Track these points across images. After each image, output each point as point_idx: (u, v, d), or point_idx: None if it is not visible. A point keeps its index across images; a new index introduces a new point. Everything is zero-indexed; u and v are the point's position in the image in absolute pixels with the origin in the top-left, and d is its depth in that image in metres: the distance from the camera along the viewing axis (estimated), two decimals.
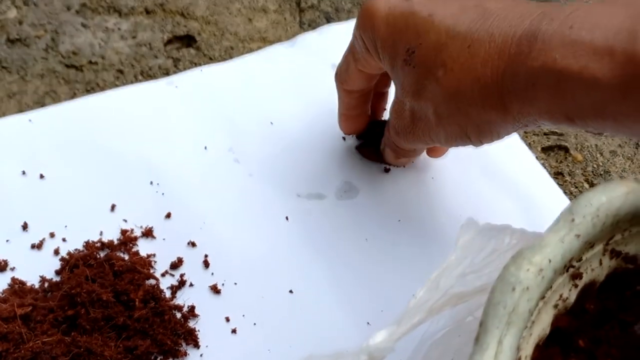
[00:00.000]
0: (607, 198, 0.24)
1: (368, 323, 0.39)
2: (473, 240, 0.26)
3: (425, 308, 0.25)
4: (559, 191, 0.45)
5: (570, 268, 0.24)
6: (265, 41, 0.55)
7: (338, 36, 0.54)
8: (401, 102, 0.38)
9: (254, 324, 0.39)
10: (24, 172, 0.45)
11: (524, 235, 0.26)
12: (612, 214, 0.24)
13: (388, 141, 0.43)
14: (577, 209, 0.23)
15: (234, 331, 0.39)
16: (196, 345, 0.38)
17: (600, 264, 0.26)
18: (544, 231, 0.25)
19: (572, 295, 0.25)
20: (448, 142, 0.36)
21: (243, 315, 0.40)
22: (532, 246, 0.22)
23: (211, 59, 0.54)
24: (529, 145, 0.48)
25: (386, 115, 0.48)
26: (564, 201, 0.45)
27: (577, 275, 0.25)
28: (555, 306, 0.25)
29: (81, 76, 0.52)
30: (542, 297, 0.23)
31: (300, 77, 0.52)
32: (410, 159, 0.46)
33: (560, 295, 0.25)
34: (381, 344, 0.24)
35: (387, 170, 0.47)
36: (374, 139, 0.46)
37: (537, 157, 0.47)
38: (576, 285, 0.25)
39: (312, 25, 0.56)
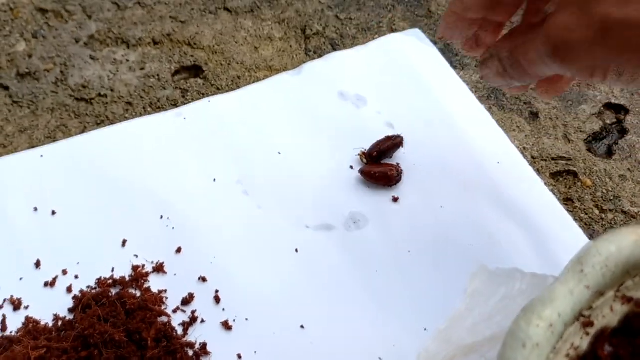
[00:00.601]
0: (617, 247, 0.24)
1: (380, 358, 0.39)
2: (483, 287, 0.26)
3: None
4: (569, 218, 0.45)
5: (581, 317, 0.24)
6: (271, 69, 0.56)
7: (344, 63, 0.55)
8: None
9: None
10: (35, 209, 0.46)
11: (534, 280, 0.26)
12: (622, 263, 0.24)
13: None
14: (586, 259, 0.23)
15: None
16: None
17: (612, 310, 0.26)
18: (554, 275, 0.25)
19: (583, 343, 0.25)
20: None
21: (255, 352, 0.40)
22: (541, 299, 0.22)
23: (218, 89, 0.54)
24: (538, 172, 0.47)
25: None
26: (574, 228, 0.45)
27: (588, 324, 0.25)
28: (567, 355, 0.25)
29: (91, 109, 0.53)
30: (553, 349, 0.23)
31: (307, 106, 0.52)
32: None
33: (572, 344, 0.25)
34: None
35: (395, 200, 0.47)
36: None
37: (546, 183, 0.47)
38: (588, 333, 0.25)
39: (318, 53, 0.56)
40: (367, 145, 0.49)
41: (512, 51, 0.34)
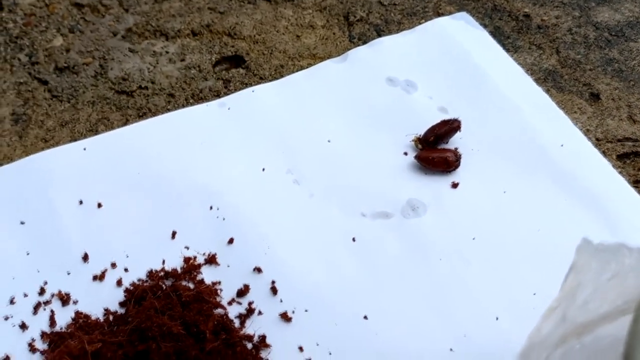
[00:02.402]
0: None
1: (451, 349, 0.37)
2: (590, 263, 0.23)
3: (551, 342, 0.23)
4: None
5: None
6: (315, 58, 0.54)
7: (391, 48, 0.53)
8: None
9: (329, 353, 0.37)
10: (81, 202, 0.44)
11: None
12: None
13: None
14: None
15: None
16: None
17: None
18: None
19: None
20: None
21: (317, 344, 0.38)
22: None
23: (261, 79, 0.53)
24: (604, 154, 0.45)
25: None
26: None
27: None
28: None
29: (132, 102, 0.51)
30: None
31: (354, 93, 0.50)
32: None
33: None
34: None
35: (454, 186, 0.44)
36: None
37: (613, 166, 0.44)
38: None
39: (363, 39, 0.55)
40: (419, 131, 0.47)
41: None
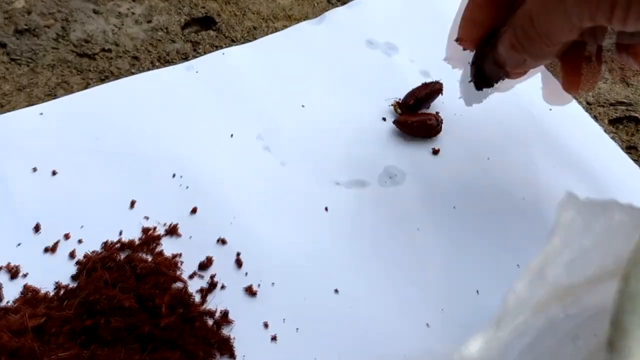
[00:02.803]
0: None
1: (427, 324, 0.34)
2: (575, 219, 0.21)
3: (529, 305, 0.20)
4: (634, 167, 0.40)
5: None
6: (290, 19, 0.51)
7: (371, 10, 0.50)
8: None
9: (297, 329, 0.35)
10: (35, 169, 0.41)
11: (634, 212, 0.21)
12: None
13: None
14: None
15: (274, 338, 0.34)
16: (232, 355, 0.34)
17: None
18: None
19: None
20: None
21: (283, 320, 0.35)
22: None
23: (233, 41, 0.49)
24: (595, 119, 0.42)
25: None
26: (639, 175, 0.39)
27: None
28: None
29: (94, 65, 0.48)
30: None
31: (331, 56, 0.47)
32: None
33: None
34: (478, 353, 0.19)
35: (435, 152, 0.41)
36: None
37: (605, 131, 0.41)
38: None
39: (341, 0, 0.51)
40: (400, 96, 0.44)
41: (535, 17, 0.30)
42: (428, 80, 0.45)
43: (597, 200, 0.21)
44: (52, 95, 0.46)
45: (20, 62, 0.48)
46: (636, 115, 0.43)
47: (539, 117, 0.42)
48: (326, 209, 0.39)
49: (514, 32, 0.32)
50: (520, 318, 0.20)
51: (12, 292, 0.36)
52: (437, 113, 0.42)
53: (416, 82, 0.45)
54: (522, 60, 0.32)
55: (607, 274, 0.20)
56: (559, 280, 0.20)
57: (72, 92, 0.46)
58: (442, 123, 0.42)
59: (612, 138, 0.41)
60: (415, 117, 0.42)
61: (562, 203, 0.21)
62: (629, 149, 0.41)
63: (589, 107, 0.43)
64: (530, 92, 0.44)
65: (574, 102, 0.43)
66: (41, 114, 0.44)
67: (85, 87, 0.47)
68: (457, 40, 0.36)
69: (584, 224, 0.20)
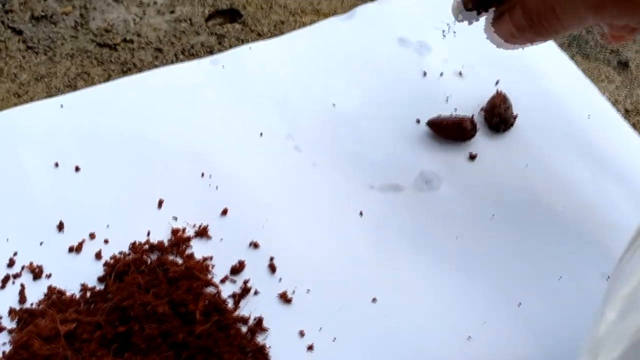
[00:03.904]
0: None
1: (469, 337, 0.33)
2: None
3: (626, 334, 0.19)
4: None
5: None
6: (319, 14, 0.49)
7: (404, 6, 0.48)
8: None
9: (334, 339, 0.33)
10: (57, 164, 0.40)
11: None
12: None
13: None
14: None
15: (310, 348, 0.33)
16: None
17: None
18: None
19: None
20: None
21: (320, 329, 0.34)
22: None
23: (259, 35, 0.48)
24: (633, 126, 0.41)
25: None
26: None
27: None
28: None
29: (116, 56, 0.46)
30: None
31: (362, 54, 0.46)
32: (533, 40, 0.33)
33: None
34: None
35: (472, 158, 0.40)
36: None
37: None
38: None
39: None
40: (434, 99, 0.43)
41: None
42: (461, 81, 0.44)
43: None
44: (72, 86, 0.45)
45: (38, 51, 0.47)
46: None
47: (577, 124, 0.41)
48: (361, 213, 0.38)
49: (523, 13, 0.30)
50: (618, 349, 0.19)
51: (36, 293, 0.35)
52: (472, 116, 0.41)
53: (451, 83, 0.44)
54: (526, 40, 0.32)
55: None
56: None
57: (93, 83, 0.45)
58: (476, 127, 0.41)
59: None
60: (450, 120, 0.41)
61: None
62: None
63: (627, 114, 0.42)
64: (569, 98, 0.43)
65: (613, 110, 0.42)
66: (62, 106, 0.42)
67: (107, 79, 0.45)
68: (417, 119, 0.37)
69: None
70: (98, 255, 0.36)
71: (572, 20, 0.29)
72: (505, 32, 0.32)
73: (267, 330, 0.34)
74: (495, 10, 0.33)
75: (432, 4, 0.48)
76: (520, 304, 0.34)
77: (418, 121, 0.42)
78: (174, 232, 0.37)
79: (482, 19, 0.34)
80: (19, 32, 0.47)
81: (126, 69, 0.46)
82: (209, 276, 0.35)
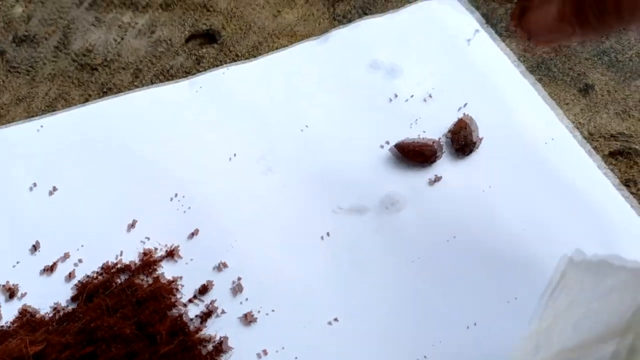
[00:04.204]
0: None
1: (425, 357, 0.35)
2: (581, 278, 0.21)
3: None
4: (625, 203, 0.40)
5: None
6: (295, 36, 0.50)
7: (376, 30, 0.49)
8: None
9: (295, 358, 0.35)
10: (34, 185, 0.41)
11: (637, 275, 0.21)
12: None
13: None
14: None
15: None
16: None
17: None
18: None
19: None
20: None
21: (282, 348, 0.35)
22: None
23: (237, 57, 0.49)
24: (595, 149, 0.42)
25: None
26: (631, 213, 0.40)
27: None
28: None
29: (95, 77, 0.48)
30: None
31: (335, 77, 0.47)
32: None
33: None
34: None
35: (436, 180, 0.42)
36: None
37: (604, 162, 0.42)
38: None
39: (347, 18, 0.51)
40: (402, 122, 0.44)
41: None
42: (429, 104, 0.45)
43: (601, 257, 0.22)
44: (51, 107, 0.46)
45: (20, 72, 0.48)
46: (636, 147, 0.43)
47: (538, 148, 0.42)
48: (327, 234, 0.39)
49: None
50: None
51: (10, 312, 0.36)
52: (438, 139, 0.43)
53: (419, 106, 0.45)
54: (567, 34, 0.26)
55: (612, 333, 0.20)
56: (564, 342, 0.20)
57: (72, 105, 0.46)
58: (441, 150, 0.42)
59: (611, 170, 0.42)
60: (414, 144, 0.42)
61: (569, 259, 0.21)
62: (627, 182, 0.41)
63: (589, 137, 0.43)
64: (531, 122, 0.44)
65: (569, 135, 0.43)
66: (41, 127, 0.44)
67: (86, 101, 0.46)
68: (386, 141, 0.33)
69: (588, 284, 0.21)
70: (71, 276, 0.37)
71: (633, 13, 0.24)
72: (541, 23, 0.26)
73: (231, 350, 0.35)
74: None
75: (403, 28, 0.49)
76: (475, 323, 0.36)
77: (387, 143, 0.43)
78: (145, 253, 0.38)
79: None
80: (2, 53, 0.49)
81: (105, 90, 0.47)
82: (177, 296, 0.36)
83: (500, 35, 0.48)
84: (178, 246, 0.38)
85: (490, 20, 0.50)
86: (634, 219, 0.40)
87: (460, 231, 0.39)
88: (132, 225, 0.39)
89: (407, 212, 0.40)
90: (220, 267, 0.38)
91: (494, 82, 0.46)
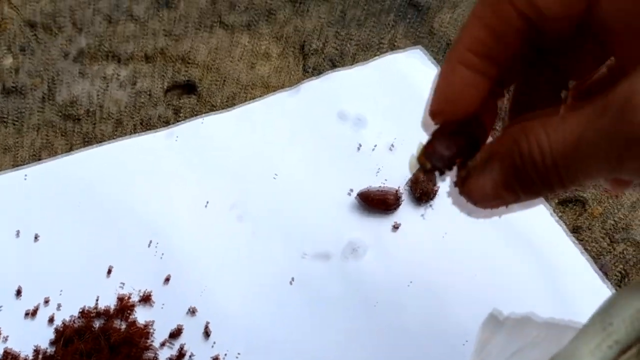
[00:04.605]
0: None
1: None
2: (495, 337, 0.23)
3: None
4: (576, 250, 0.43)
5: None
6: (268, 87, 0.54)
7: (344, 82, 0.53)
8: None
9: None
10: (18, 233, 0.43)
11: (550, 330, 0.24)
12: None
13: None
14: (614, 312, 0.21)
15: None
16: None
17: None
18: (572, 320, 0.22)
19: None
20: None
21: None
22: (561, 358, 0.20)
23: (213, 107, 0.52)
24: (545, 199, 0.45)
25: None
26: (582, 260, 0.43)
27: None
28: None
29: (78, 127, 0.51)
30: None
31: (305, 127, 0.50)
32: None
33: None
34: None
35: (396, 227, 0.44)
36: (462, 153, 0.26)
37: (554, 211, 0.45)
38: None
39: (317, 70, 0.54)
40: (367, 171, 0.47)
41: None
42: (393, 154, 0.48)
43: (516, 317, 0.24)
44: (36, 157, 0.49)
45: (7, 122, 0.51)
46: (584, 196, 0.46)
47: None
48: (292, 280, 0.42)
49: (511, 167, 0.23)
50: None
51: None
52: (398, 188, 0.46)
53: (382, 155, 0.48)
54: (511, 199, 0.24)
55: None
56: None
57: (56, 154, 0.49)
58: (401, 199, 0.45)
59: (560, 218, 0.44)
60: (376, 192, 0.45)
61: (484, 322, 0.24)
62: (575, 230, 0.44)
63: None
64: None
65: None
66: (25, 176, 0.46)
67: (69, 150, 0.49)
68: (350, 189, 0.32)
69: (501, 343, 0.23)
70: (51, 320, 0.40)
71: (585, 176, 0.21)
72: (482, 191, 0.24)
73: None
74: (464, 168, 0.26)
75: (369, 80, 0.53)
76: None
77: (351, 191, 0.46)
78: (120, 298, 0.41)
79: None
80: None
81: (87, 140, 0.50)
82: (150, 341, 0.39)
83: None
84: (151, 292, 0.41)
85: None
86: (583, 264, 0.43)
87: (419, 276, 0.42)
88: (109, 272, 0.42)
89: (370, 257, 0.43)
90: (191, 311, 0.40)
91: None
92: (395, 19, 0.58)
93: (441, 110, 0.26)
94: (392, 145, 0.49)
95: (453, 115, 0.25)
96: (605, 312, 0.21)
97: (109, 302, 0.41)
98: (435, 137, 0.26)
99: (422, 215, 0.45)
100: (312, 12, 0.58)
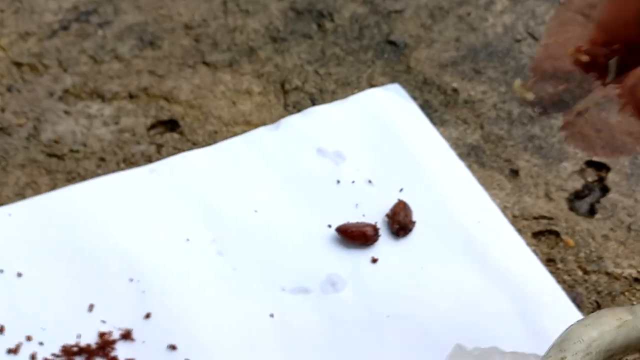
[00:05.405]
0: (599, 333, 0.23)
1: None
2: None
3: None
4: (551, 280, 0.44)
5: None
6: (249, 124, 0.55)
7: (323, 118, 0.54)
8: None
9: None
10: (1, 270, 0.44)
11: (518, 356, 0.25)
12: (605, 349, 0.23)
13: None
14: (567, 346, 0.22)
15: None
16: None
17: None
18: (535, 353, 0.23)
19: None
20: None
21: None
22: None
23: (195, 144, 0.53)
24: (519, 231, 0.47)
25: None
26: (556, 291, 0.44)
27: None
28: None
29: (62, 165, 0.52)
30: None
31: (285, 162, 0.51)
32: None
33: None
34: None
35: (374, 261, 0.45)
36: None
37: (527, 243, 0.46)
38: None
39: (297, 107, 0.56)
40: (345, 206, 0.48)
41: None
42: (371, 188, 0.49)
43: (481, 349, 0.25)
44: (21, 195, 0.50)
45: None
46: (557, 229, 0.47)
47: (468, 229, 0.47)
48: (271, 315, 0.43)
49: None
50: None
51: None
52: (375, 223, 0.47)
53: (361, 190, 0.49)
54: None
55: None
56: None
57: (40, 192, 0.50)
58: (378, 233, 0.46)
59: (533, 250, 0.46)
60: (355, 226, 0.46)
61: (450, 355, 0.25)
62: (549, 262, 0.45)
63: (514, 220, 0.47)
64: (463, 204, 0.48)
65: (501, 215, 0.47)
66: (10, 214, 0.47)
67: (53, 188, 0.50)
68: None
69: None
70: (33, 357, 0.40)
71: None
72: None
73: None
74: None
75: (348, 116, 0.54)
76: None
77: (329, 226, 0.47)
78: (101, 335, 0.41)
79: None
80: None
81: (71, 178, 0.51)
82: None
83: (435, 124, 0.53)
84: (132, 329, 0.41)
85: (426, 108, 0.54)
86: (559, 295, 0.44)
87: (396, 310, 0.43)
88: (90, 308, 0.42)
89: (347, 292, 0.44)
90: (172, 347, 0.41)
91: (430, 168, 0.50)
92: (373, 57, 0.59)
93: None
94: (370, 181, 0.50)
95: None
96: (558, 346, 0.22)
97: (90, 338, 0.41)
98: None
99: (400, 249, 0.46)
100: (292, 50, 0.60)
